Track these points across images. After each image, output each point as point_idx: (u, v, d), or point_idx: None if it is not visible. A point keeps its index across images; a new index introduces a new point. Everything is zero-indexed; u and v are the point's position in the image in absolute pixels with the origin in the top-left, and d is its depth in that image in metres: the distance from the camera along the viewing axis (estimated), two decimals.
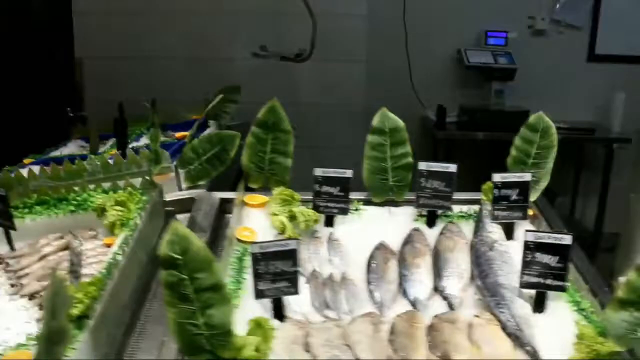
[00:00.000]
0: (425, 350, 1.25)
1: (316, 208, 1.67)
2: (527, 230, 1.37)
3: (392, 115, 1.79)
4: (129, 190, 1.76)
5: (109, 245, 1.65)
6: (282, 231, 1.60)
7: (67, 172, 2.05)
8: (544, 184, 1.77)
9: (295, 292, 1.31)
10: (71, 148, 2.99)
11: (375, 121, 1.76)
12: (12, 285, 1.50)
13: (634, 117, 4.24)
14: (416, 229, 1.67)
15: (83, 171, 2.07)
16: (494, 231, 1.63)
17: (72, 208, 1.75)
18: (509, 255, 1.54)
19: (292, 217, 1.62)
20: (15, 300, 1.44)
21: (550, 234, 1.36)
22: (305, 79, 4.39)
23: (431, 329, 1.32)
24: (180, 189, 2.06)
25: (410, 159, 1.74)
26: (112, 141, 2.96)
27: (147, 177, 1.81)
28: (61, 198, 1.80)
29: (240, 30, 4.26)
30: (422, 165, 1.67)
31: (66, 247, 1.69)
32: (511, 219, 1.65)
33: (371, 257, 1.57)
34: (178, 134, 2.68)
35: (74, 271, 1.29)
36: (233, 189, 2.40)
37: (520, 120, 4.05)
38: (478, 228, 1.65)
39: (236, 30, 4.26)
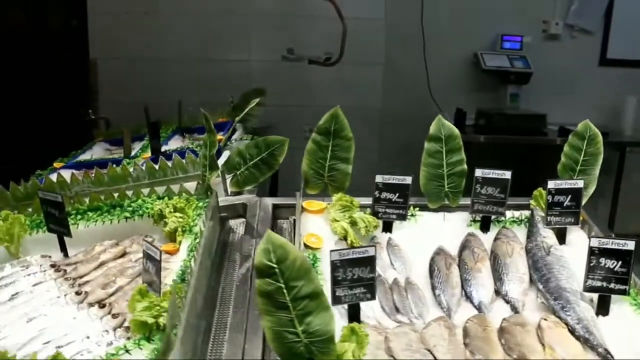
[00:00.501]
0: (501, 353, 1.29)
1: (375, 214, 1.70)
2: (591, 237, 1.42)
3: (447, 122, 1.83)
4: (186, 196, 1.79)
5: (168, 253, 1.68)
6: (344, 237, 1.63)
7: (111, 177, 2.09)
8: (591, 190, 1.81)
9: (372, 298, 1.35)
10: (97, 151, 3.01)
11: (432, 129, 1.80)
12: (78, 293, 1.51)
13: None
14: (471, 234, 1.71)
15: (127, 176, 2.10)
16: (548, 236, 1.67)
17: (128, 214, 1.77)
18: (566, 260, 1.58)
19: (353, 223, 1.65)
20: (84, 309, 1.45)
21: (614, 240, 1.40)
22: (322, 82, 4.43)
23: (503, 332, 1.37)
24: (227, 194, 2.09)
25: (464, 166, 1.78)
26: (141, 144, 2.99)
27: (204, 183, 1.83)
28: (115, 204, 1.82)
29: (257, 31, 4.29)
30: (479, 172, 1.71)
31: (123, 254, 1.72)
32: (563, 224, 1.70)
33: (433, 262, 1.61)
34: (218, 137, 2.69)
35: (153, 281, 1.31)
36: (272, 193, 2.42)
37: (537, 124, 4.17)
38: (532, 233, 1.70)
39: (254, 32, 4.29)
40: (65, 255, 1.74)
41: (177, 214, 1.66)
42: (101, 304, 1.44)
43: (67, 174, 2.46)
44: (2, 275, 1.61)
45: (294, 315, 1.10)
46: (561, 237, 1.70)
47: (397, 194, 1.69)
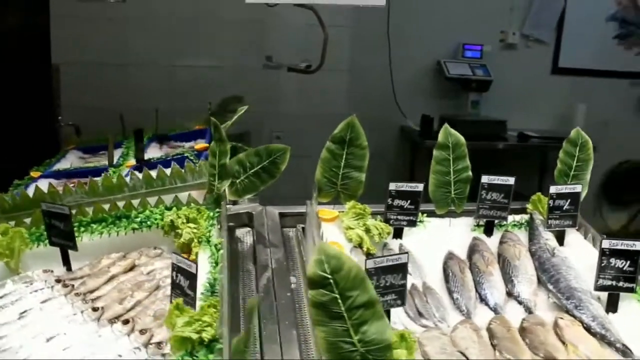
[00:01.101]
0: (529, 353, 1.35)
1: (387, 221, 1.74)
2: (603, 238, 1.50)
3: (453, 131, 1.89)
4: (196, 206, 1.76)
5: None
6: (359, 244, 1.66)
7: (106, 187, 2.03)
8: (583, 193, 1.91)
9: (403, 304, 1.38)
10: (71, 160, 2.91)
11: (440, 137, 1.85)
12: (94, 309, 1.46)
13: (594, 127, 4.57)
14: (477, 238, 1.78)
15: (123, 186, 2.04)
16: (550, 238, 1.76)
17: (135, 226, 1.73)
18: (569, 261, 1.67)
19: (367, 230, 1.68)
20: (106, 326, 1.40)
21: (623, 241, 1.50)
22: (290, 89, 4.45)
23: (525, 331, 1.43)
24: (226, 203, 2.07)
25: (469, 172, 1.85)
26: (118, 152, 2.90)
27: (213, 192, 1.81)
28: (120, 215, 1.77)
29: (226, 38, 4.26)
30: (485, 179, 1.78)
31: (132, 267, 1.68)
32: (563, 227, 1.79)
33: (447, 267, 1.66)
34: (198, 146, 2.66)
35: (187, 295, 1.29)
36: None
37: (498, 130, 4.33)
38: (534, 236, 1.78)
39: (222, 39, 4.26)
40: (69, 269, 1.68)
41: (191, 225, 1.64)
42: (123, 320, 1.40)
43: (45, 184, 2.40)
44: (4, 293, 1.54)
45: (349, 325, 1.11)
46: (560, 239, 1.79)
47: (409, 201, 1.74)
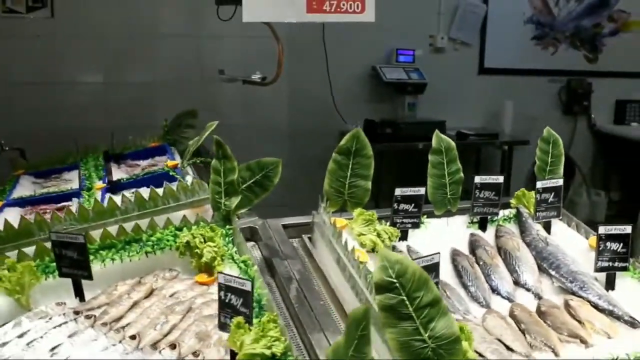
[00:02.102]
0: (554, 333, 1.48)
1: (394, 224, 1.82)
2: (600, 225, 1.67)
3: (444, 136, 1.99)
4: (208, 225, 1.75)
5: (204, 284, 1.64)
6: (372, 249, 1.72)
7: (96, 212, 1.96)
8: None
9: None
10: (26, 185, 2.75)
11: (434, 143, 1.95)
12: (132, 337, 1.43)
13: (520, 122, 4.95)
14: (474, 234, 1.90)
15: (114, 209, 1.98)
16: (540, 229, 1.92)
17: (149, 249, 1.69)
18: (562, 248, 1.83)
19: (377, 235, 1.75)
20: (151, 353, 1.36)
21: (615, 226, 1.67)
22: (227, 101, 4.44)
23: (545, 315, 1.55)
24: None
25: (461, 174, 1.96)
26: (73, 174, 2.78)
27: (220, 210, 1.80)
28: (129, 240, 1.72)
29: (161, 52, 4.18)
30: (477, 179, 1.91)
31: (152, 291, 1.64)
32: (549, 217, 1.95)
33: (456, 263, 1.76)
34: (170, 163, 2.60)
35: (241, 313, 1.29)
36: None
37: (437, 130, 4.52)
38: (525, 228, 1.93)
39: (157, 53, 4.18)
40: (82, 300, 1.62)
41: (211, 244, 1.63)
42: (170, 344, 1.37)
43: (12, 213, 2.27)
44: (22, 331, 1.46)
45: (418, 324, 1.17)
46: (547, 229, 1.95)
47: (413, 204, 1.82)
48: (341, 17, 1.83)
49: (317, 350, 1.36)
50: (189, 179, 2.49)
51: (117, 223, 1.92)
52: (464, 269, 1.73)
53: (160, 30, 4.10)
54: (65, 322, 1.48)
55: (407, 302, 1.17)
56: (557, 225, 1.98)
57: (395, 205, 1.80)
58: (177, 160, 2.91)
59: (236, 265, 1.59)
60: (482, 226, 1.95)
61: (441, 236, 1.90)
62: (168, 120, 3.17)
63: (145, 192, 2.44)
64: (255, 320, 1.28)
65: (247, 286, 1.28)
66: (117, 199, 2.36)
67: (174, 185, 2.48)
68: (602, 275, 1.70)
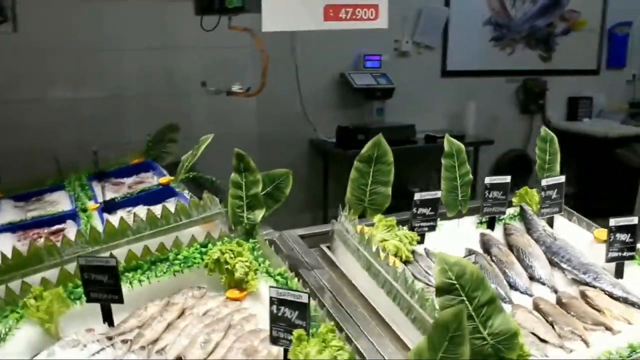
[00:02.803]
0: (580, 322, 1.56)
1: (412, 228, 1.86)
2: (611, 218, 1.77)
3: (454, 140, 2.04)
4: (233, 239, 1.74)
5: (235, 300, 1.63)
6: (395, 254, 1.76)
7: (108, 233, 1.92)
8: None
9: None
10: (7, 210, 2.64)
11: (446, 147, 2.01)
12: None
13: (482, 122, 5.13)
14: (485, 234, 1.98)
15: (126, 229, 1.94)
16: (545, 225, 2.01)
17: (177, 268, 1.67)
18: (568, 242, 1.93)
19: (399, 240, 1.79)
20: None
21: (622, 219, 1.77)
22: (196, 112, 4.40)
23: (566, 306, 1.63)
24: (232, 232, 2.05)
25: (470, 176, 2.03)
26: (57, 195, 2.70)
27: (244, 224, 1.80)
28: (154, 260, 1.70)
29: (127, 66, 4.10)
30: (487, 180, 1.98)
31: (183, 311, 1.62)
32: (552, 213, 2.05)
33: (474, 262, 1.82)
34: (163, 180, 2.56)
35: (297, 325, 1.31)
36: None
37: (409, 134, 4.65)
38: (531, 225, 2.01)
39: (125, 66, 4.09)
40: (111, 325, 1.58)
41: (242, 259, 1.63)
42: None
43: (5, 240, 2.19)
44: None
45: (477, 322, 1.22)
46: (550, 224, 2.05)
47: (430, 208, 1.88)
48: (356, 24, 1.87)
49: (367, 357, 1.38)
50: (186, 194, 2.48)
51: (129, 244, 1.88)
52: (484, 268, 1.79)
53: (125, 43, 4.01)
54: (103, 349, 1.45)
55: (467, 302, 1.22)
56: (559, 220, 2.08)
57: (414, 209, 1.85)
58: (165, 176, 2.87)
59: (272, 278, 1.59)
60: (491, 225, 2.03)
61: (454, 237, 1.96)
62: (150, 136, 3.12)
63: (141, 210, 2.43)
64: (302, 332, 1.29)
65: (304, 298, 1.30)
66: (113, 218, 2.34)
67: (171, 202, 2.49)
68: (608, 265, 1.80)
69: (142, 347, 1.46)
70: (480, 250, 1.91)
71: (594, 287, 1.73)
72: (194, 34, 4.02)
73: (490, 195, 2.00)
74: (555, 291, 1.75)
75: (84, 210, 2.38)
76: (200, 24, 3.11)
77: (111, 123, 3.96)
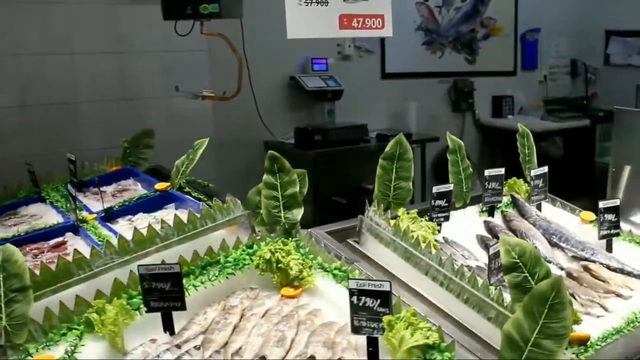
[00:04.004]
0: (595, 292, 1.79)
1: (431, 219, 2.03)
2: (600, 201, 2.03)
3: (453, 136, 2.22)
4: (281, 239, 1.80)
5: (291, 297, 1.70)
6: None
7: (137, 242, 1.91)
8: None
9: None
10: None
11: (450, 144, 2.18)
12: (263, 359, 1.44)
13: (421, 121, 5.44)
14: (489, 221, 2.18)
15: (154, 237, 1.95)
16: (537, 211, 2.25)
17: (230, 270, 1.71)
18: (561, 224, 2.18)
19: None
20: None
21: (608, 201, 2.04)
22: (152, 117, 4.32)
23: (578, 279, 1.86)
24: (254, 233, 2.10)
25: (471, 169, 2.23)
26: (38, 207, 2.60)
27: (284, 222, 1.87)
28: (205, 264, 1.73)
29: (80, 71, 3.95)
30: (487, 172, 2.19)
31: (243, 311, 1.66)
32: (540, 200, 2.30)
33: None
34: (159, 186, 2.55)
35: (379, 312, 1.41)
36: None
37: (362, 133, 4.83)
38: (525, 211, 2.24)
39: (77, 72, 3.94)
40: (172, 333, 1.59)
41: (294, 256, 1.70)
42: (308, 357, 1.41)
43: None
44: None
45: None
46: (538, 209, 2.30)
47: (444, 200, 2.05)
48: (366, 33, 2.00)
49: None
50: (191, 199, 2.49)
51: (158, 251, 1.89)
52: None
53: (76, 48, 3.87)
54: (180, 358, 1.45)
55: (529, 278, 1.39)
56: (545, 206, 2.33)
57: (432, 201, 2.02)
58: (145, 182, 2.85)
59: (328, 273, 1.68)
60: (491, 213, 2.24)
61: (462, 225, 2.15)
62: (127, 141, 3.06)
63: (142, 217, 2.42)
64: (393, 317, 1.39)
65: (386, 287, 1.40)
66: (117, 227, 2.32)
67: (171, 208, 2.49)
68: (599, 242, 2.07)
69: (217, 352, 1.48)
70: (489, 236, 2.11)
71: (593, 261, 1.97)
72: (149, 38, 3.98)
73: (490, 186, 2.20)
74: (562, 268, 1.97)
75: (83, 221, 2.32)
76: (175, 29, 3.10)
77: (63, 130, 3.81)
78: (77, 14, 3.73)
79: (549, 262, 2.00)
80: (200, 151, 2.56)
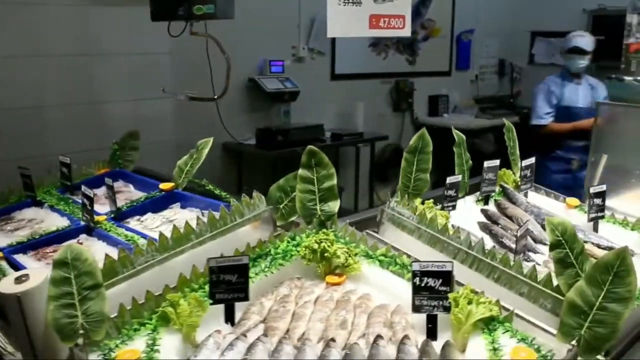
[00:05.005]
0: None
1: (443, 208, 2.20)
2: (591, 187, 2.28)
3: (457, 132, 2.41)
4: (321, 230, 1.89)
5: (335, 284, 1.81)
6: None
7: (175, 239, 1.95)
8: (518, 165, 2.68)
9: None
10: None
11: (457, 138, 2.36)
12: (332, 340, 1.50)
13: (371, 119, 5.66)
14: (485, 209, 2.39)
15: (190, 233, 1.99)
16: (526, 198, 2.49)
17: (281, 261, 1.79)
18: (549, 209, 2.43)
19: None
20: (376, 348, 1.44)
21: (597, 186, 2.30)
22: (114, 120, 4.24)
23: None
24: (275, 228, 2.18)
25: (470, 161, 2.42)
26: (33, 212, 2.53)
27: (320, 215, 1.96)
28: (255, 257, 1.79)
29: (50, 75, 3.81)
30: (486, 164, 2.39)
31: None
32: (527, 189, 2.54)
33: (494, 232, 2.21)
34: (163, 185, 2.56)
35: (440, 290, 1.55)
36: None
37: (319, 133, 4.95)
38: (515, 200, 2.45)
39: (47, 76, 3.80)
40: (233, 323, 1.65)
41: (339, 245, 1.81)
42: (377, 336, 1.52)
43: (24, 260, 2.07)
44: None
45: (578, 269, 1.59)
46: (526, 197, 2.54)
47: (454, 190, 2.23)
48: (389, 32, 2.11)
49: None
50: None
51: (193, 247, 1.93)
52: (504, 237, 2.19)
53: (39, 50, 3.73)
54: (255, 345, 1.48)
55: (569, 253, 1.59)
56: (531, 194, 2.58)
57: (445, 191, 2.19)
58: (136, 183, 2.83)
59: (374, 259, 1.80)
60: (487, 202, 2.45)
61: (464, 213, 2.33)
62: (116, 144, 3.03)
63: (151, 217, 2.43)
64: (457, 294, 1.54)
65: (448, 267, 1.55)
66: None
67: (176, 207, 2.52)
68: (587, 225, 2.32)
69: (284, 338, 1.55)
70: (489, 222, 2.31)
71: (586, 242, 2.22)
72: (111, 42, 3.90)
73: (486, 177, 2.41)
74: None
75: (95, 222, 2.29)
76: (168, 30, 3.08)
77: (29, 134, 3.65)
78: (45, 17, 3.61)
79: (545, 244, 2.24)
80: (206, 150, 2.59)
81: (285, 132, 4.51)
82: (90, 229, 2.27)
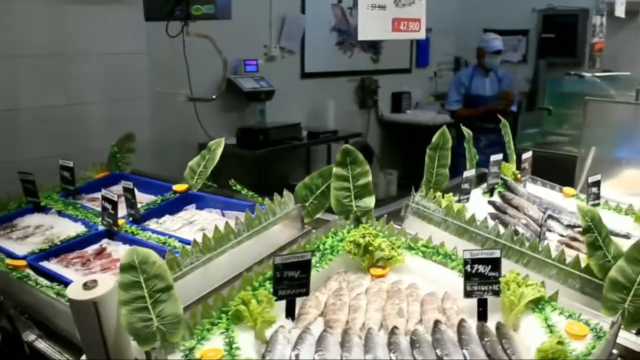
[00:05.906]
0: None
1: (459, 200, 2.34)
2: (588, 177, 2.48)
3: (466, 128, 2.54)
4: (362, 225, 1.98)
5: (380, 277, 1.90)
6: None
7: (217, 240, 1.99)
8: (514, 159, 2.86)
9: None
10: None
11: (466, 134, 2.50)
12: (396, 327, 1.58)
13: (337, 118, 5.77)
14: (492, 201, 2.55)
15: (230, 233, 2.03)
16: (526, 189, 2.67)
17: (331, 257, 1.86)
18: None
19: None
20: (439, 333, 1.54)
21: (594, 176, 2.50)
22: (91, 122, 4.16)
23: (581, 242, 2.28)
24: (303, 226, 2.25)
25: (477, 156, 2.57)
26: (38, 217, 2.49)
27: (356, 211, 2.04)
28: None
29: (28, 75, 3.69)
30: (492, 158, 2.55)
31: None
32: (526, 180, 2.71)
33: (505, 221, 2.37)
34: (177, 187, 2.56)
35: (489, 276, 1.67)
36: None
37: (296, 131, 5.03)
38: (517, 191, 2.61)
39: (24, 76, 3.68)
40: (293, 318, 1.71)
41: (383, 239, 1.90)
42: (435, 321, 1.62)
43: (54, 267, 2.06)
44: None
45: (605, 251, 1.73)
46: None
47: (469, 184, 2.37)
48: (407, 35, 2.21)
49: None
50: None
51: (232, 247, 1.98)
52: (516, 225, 2.35)
53: (15, 50, 3.61)
54: (323, 337, 1.55)
55: (599, 237, 1.75)
56: (529, 185, 2.76)
57: (462, 185, 2.33)
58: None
59: (416, 250, 1.90)
60: (492, 194, 2.61)
61: (474, 204, 2.48)
62: (115, 146, 2.99)
63: (169, 219, 2.44)
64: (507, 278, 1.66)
65: (497, 254, 1.67)
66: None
67: (191, 208, 2.54)
68: None
69: (349, 329, 1.62)
70: (498, 213, 2.47)
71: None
72: (88, 42, 3.82)
73: (492, 170, 2.57)
74: (561, 235, 2.39)
75: (117, 226, 2.29)
76: (166, 30, 3.06)
77: (5, 138, 3.54)
78: (22, 17, 3.49)
79: (550, 230, 2.42)
80: (219, 151, 2.61)
81: (266, 132, 4.55)
82: (113, 233, 2.26)
